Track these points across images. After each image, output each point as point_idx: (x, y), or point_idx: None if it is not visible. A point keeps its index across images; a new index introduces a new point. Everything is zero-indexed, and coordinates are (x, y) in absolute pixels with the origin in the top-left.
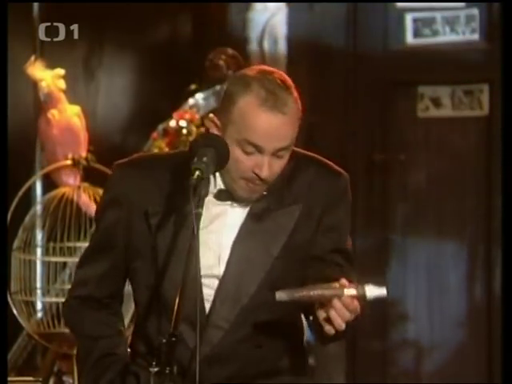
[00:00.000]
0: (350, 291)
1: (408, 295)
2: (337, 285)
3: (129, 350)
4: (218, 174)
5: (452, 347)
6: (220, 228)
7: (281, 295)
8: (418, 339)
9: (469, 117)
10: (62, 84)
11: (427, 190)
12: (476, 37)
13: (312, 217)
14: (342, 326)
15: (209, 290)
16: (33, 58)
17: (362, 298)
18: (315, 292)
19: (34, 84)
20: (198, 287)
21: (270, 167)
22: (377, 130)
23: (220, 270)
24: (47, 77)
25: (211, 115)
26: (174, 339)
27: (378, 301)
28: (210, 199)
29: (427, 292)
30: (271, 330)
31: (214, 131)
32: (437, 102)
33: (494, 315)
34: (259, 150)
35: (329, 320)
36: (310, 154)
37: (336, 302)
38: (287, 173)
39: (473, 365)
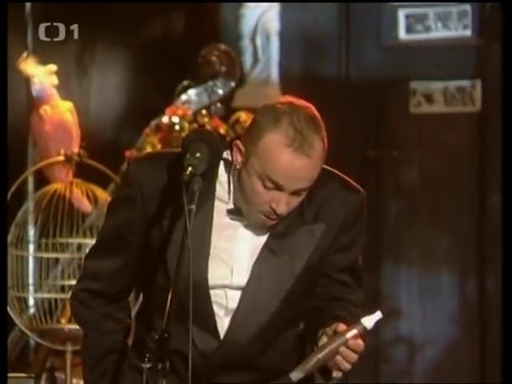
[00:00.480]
0: (352, 333)
1: (401, 291)
2: (339, 334)
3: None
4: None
5: (445, 343)
6: (231, 238)
7: (295, 374)
8: (411, 335)
9: (461, 113)
10: (55, 80)
11: (420, 186)
12: (468, 33)
13: (330, 235)
14: (348, 367)
15: (219, 300)
16: (25, 54)
17: (364, 331)
18: (323, 353)
19: (27, 80)
20: (189, 285)
21: (287, 204)
22: (369, 126)
23: (232, 280)
24: (40, 73)
25: (237, 141)
26: (166, 335)
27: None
28: (222, 209)
29: (420, 288)
30: (287, 343)
31: (238, 157)
32: (429, 98)
33: (486, 311)
34: (279, 187)
35: (336, 366)
36: (328, 168)
37: (343, 350)
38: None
39: (466, 361)
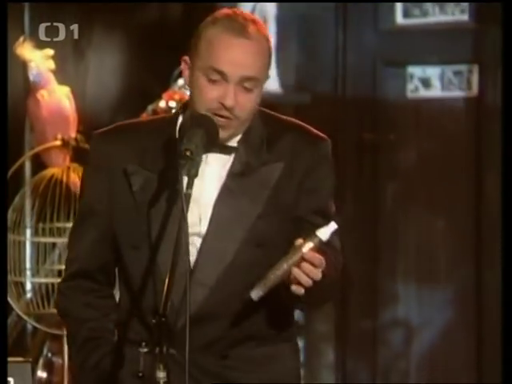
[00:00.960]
0: (308, 246)
1: (397, 274)
2: (295, 247)
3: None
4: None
5: (441, 327)
6: (198, 186)
7: (255, 293)
8: (408, 319)
9: (458, 97)
10: (51, 64)
11: (417, 170)
12: (465, 17)
13: (293, 178)
14: (307, 280)
15: (191, 248)
16: (21, 38)
17: (320, 243)
18: (281, 268)
19: (24, 65)
20: (187, 264)
21: (236, 98)
22: (366, 110)
23: (201, 228)
24: (36, 57)
25: (185, 57)
26: (163, 319)
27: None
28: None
29: (417, 271)
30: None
31: (186, 72)
32: (426, 83)
33: (483, 296)
34: (224, 77)
35: (295, 280)
36: (289, 118)
37: (301, 263)
38: (266, 135)
39: (462, 345)
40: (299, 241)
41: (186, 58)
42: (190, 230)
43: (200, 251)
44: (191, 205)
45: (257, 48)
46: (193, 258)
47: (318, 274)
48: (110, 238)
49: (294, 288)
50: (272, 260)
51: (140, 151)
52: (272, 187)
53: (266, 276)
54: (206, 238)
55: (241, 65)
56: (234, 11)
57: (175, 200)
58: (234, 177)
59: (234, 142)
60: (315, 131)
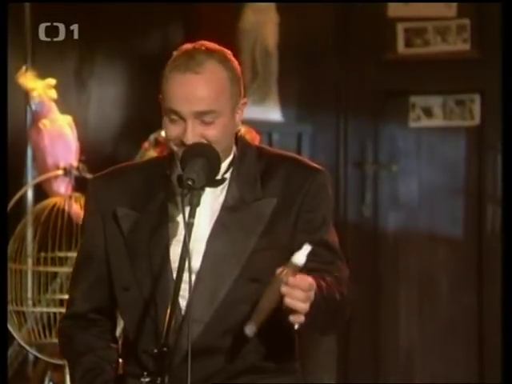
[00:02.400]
0: (285, 272)
1: (399, 302)
2: (276, 277)
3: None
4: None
5: (443, 353)
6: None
7: (249, 328)
8: (410, 346)
9: (460, 127)
10: (54, 94)
11: (418, 200)
12: (467, 47)
13: (289, 211)
14: (301, 306)
15: (182, 285)
16: (24, 67)
17: (297, 268)
18: (268, 299)
19: (26, 94)
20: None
21: (197, 132)
22: (368, 140)
23: (193, 263)
24: (38, 86)
25: (160, 96)
26: (165, 349)
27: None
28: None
29: (418, 299)
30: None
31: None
32: (428, 112)
33: (485, 322)
34: (179, 115)
35: (290, 309)
36: (284, 152)
37: (286, 290)
38: (260, 170)
39: (463, 371)
40: (279, 269)
41: (160, 96)
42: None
43: (194, 288)
44: (181, 238)
45: (208, 80)
46: (184, 293)
47: (309, 296)
48: (106, 280)
49: (293, 318)
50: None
51: (132, 193)
52: (266, 221)
53: (255, 311)
54: (199, 274)
55: (190, 101)
56: (193, 45)
57: (167, 237)
58: (228, 211)
59: (221, 175)
60: (311, 163)
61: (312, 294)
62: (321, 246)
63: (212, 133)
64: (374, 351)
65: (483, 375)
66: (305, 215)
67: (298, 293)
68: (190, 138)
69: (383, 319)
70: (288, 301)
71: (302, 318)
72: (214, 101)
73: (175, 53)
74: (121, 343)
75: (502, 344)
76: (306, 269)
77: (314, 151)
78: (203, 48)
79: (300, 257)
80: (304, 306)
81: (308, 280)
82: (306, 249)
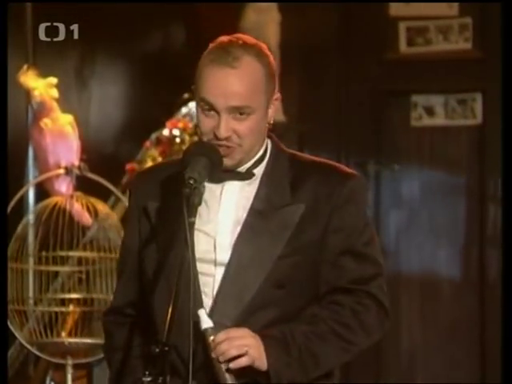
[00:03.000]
0: (208, 340)
1: (401, 303)
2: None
3: None
4: None
5: (444, 354)
6: (214, 212)
7: None
8: (411, 347)
9: (462, 126)
10: (55, 93)
11: (420, 199)
12: (469, 46)
13: (319, 218)
14: (227, 353)
15: (205, 278)
16: (25, 67)
17: (213, 332)
18: (220, 373)
19: (27, 93)
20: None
21: (230, 127)
22: (370, 139)
23: (216, 255)
24: (40, 86)
25: (193, 86)
26: (166, 348)
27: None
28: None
29: (420, 299)
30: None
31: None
32: (430, 111)
33: (487, 323)
34: (213, 107)
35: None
36: (318, 159)
37: (212, 355)
38: (292, 176)
39: (466, 374)
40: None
41: (194, 86)
42: (202, 256)
43: (219, 290)
44: (206, 230)
45: (244, 76)
46: (208, 289)
47: (225, 346)
48: (139, 274)
49: (232, 365)
50: (291, 301)
51: (163, 189)
52: (294, 228)
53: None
54: (225, 278)
55: (226, 95)
56: (230, 38)
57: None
58: (256, 215)
59: (247, 170)
60: (344, 169)
61: (238, 334)
62: (348, 256)
63: (244, 128)
64: (376, 352)
65: (485, 376)
66: (335, 222)
67: (222, 346)
68: (223, 133)
69: None
70: (221, 358)
71: (243, 360)
72: (249, 96)
73: (211, 45)
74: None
75: (502, 344)
76: (327, 284)
77: (316, 151)
78: (240, 42)
79: (205, 322)
80: (233, 350)
81: (225, 331)
82: (202, 312)
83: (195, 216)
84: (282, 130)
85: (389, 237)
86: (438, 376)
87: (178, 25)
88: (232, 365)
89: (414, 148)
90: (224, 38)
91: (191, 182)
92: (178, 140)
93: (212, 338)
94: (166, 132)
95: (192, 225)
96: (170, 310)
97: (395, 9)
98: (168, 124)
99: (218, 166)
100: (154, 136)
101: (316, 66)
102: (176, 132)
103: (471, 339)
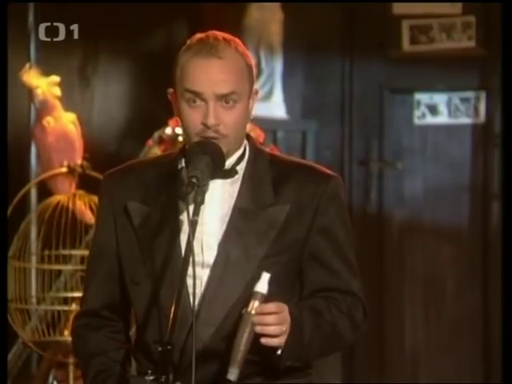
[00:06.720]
0: (253, 305)
1: (404, 300)
2: (243, 314)
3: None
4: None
5: (449, 355)
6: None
7: (231, 374)
8: (415, 346)
9: (465, 124)
10: (58, 91)
11: (423, 197)
12: (472, 44)
13: (303, 217)
14: (274, 329)
15: (190, 280)
16: (28, 65)
17: (263, 297)
18: (240, 338)
19: (29, 91)
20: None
21: (218, 116)
22: (373, 138)
23: (203, 257)
24: (42, 84)
25: (170, 89)
26: (169, 347)
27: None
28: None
29: (424, 297)
30: None
31: (174, 104)
32: (433, 109)
33: (491, 322)
34: (200, 97)
35: (261, 335)
36: (297, 159)
37: (257, 319)
38: (273, 176)
39: (469, 370)
40: (244, 308)
41: (171, 89)
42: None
43: (206, 291)
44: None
45: (229, 65)
46: (196, 290)
47: (281, 317)
48: (117, 275)
49: (265, 340)
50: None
51: (143, 188)
52: (279, 228)
53: (233, 354)
54: (211, 278)
55: (214, 82)
56: (206, 34)
57: (177, 232)
58: (241, 215)
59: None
60: (324, 170)
61: (284, 315)
62: (334, 258)
63: (231, 117)
64: (379, 351)
65: (489, 375)
66: (319, 222)
67: (268, 318)
68: (213, 120)
69: (388, 318)
70: (259, 328)
71: (274, 341)
72: (236, 83)
73: (189, 42)
74: (134, 341)
75: (502, 344)
76: (313, 285)
77: (319, 149)
78: (219, 37)
79: (262, 285)
80: (276, 329)
81: (276, 303)
82: (266, 276)
83: (198, 215)
84: (286, 128)
85: (392, 235)
86: (441, 375)
87: (181, 23)
88: (264, 340)
89: (417, 146)
90: (201, 35)
91: (194, 180)
92: (180, 138)
93: (257, 303)
94: (168, 130)
95: (195, 224)
96: (172, 310)
97: (398, 7)
98: (171, 122)
99: (221, 165)
100: (156, 134)
101: (319, 64)
102: (179, 130)
103: (475, 338)
